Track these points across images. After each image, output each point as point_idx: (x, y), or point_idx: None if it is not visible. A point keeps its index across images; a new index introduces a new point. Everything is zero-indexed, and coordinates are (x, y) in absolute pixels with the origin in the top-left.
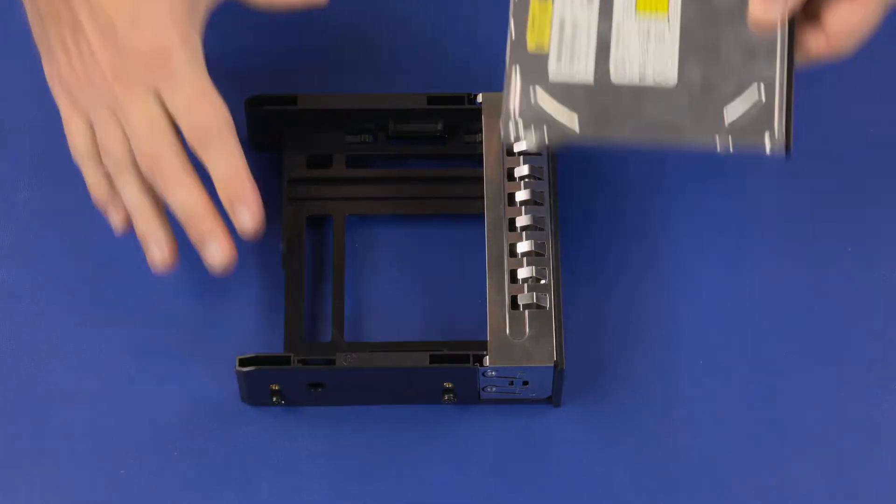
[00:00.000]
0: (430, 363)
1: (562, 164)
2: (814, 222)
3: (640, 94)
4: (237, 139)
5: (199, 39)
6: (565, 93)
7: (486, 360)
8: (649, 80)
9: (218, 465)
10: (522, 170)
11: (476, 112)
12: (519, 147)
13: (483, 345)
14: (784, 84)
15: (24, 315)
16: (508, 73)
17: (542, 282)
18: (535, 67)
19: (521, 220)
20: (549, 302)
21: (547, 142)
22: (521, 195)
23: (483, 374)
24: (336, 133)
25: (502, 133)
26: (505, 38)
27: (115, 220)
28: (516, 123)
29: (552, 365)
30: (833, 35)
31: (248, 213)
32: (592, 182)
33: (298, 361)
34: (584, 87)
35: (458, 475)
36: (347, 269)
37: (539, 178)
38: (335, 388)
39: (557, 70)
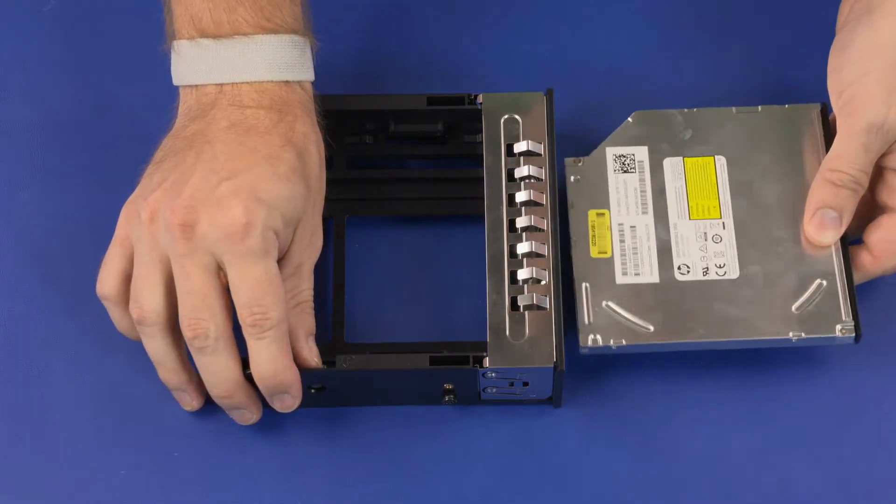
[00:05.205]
0: (430, 365)
1: (561, 165)
2: None
3: (705, 290)
4: (287, 329)
5: (283, 241)
6: (634, 295)
7: (486, 362)
8: (712, 276)
9: (218, 465)
10: (522, 171)
11: (476, 112)
12: (519, 148)
13: (483, 345)
14: (844, 277)
15: (24, 315)
16: (578, 285)
17: (542, 283)
18: (601, 274)
19: (521, 221)
20: (548, 303)
21: (624, 343)
22: (521, 196)
23: (483, 376)
24: (336, 134)
25: (580, 341)
26: (505, 38)
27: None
28: (594, 336)
29: (552, 366)
30: (877, 252)
31: (291, 398)
32: None
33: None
34: (651, 288)
35: (458, 475)
36: (347, 270)
37: (539, 179)
38: (336, 390)
39: (622, 273)
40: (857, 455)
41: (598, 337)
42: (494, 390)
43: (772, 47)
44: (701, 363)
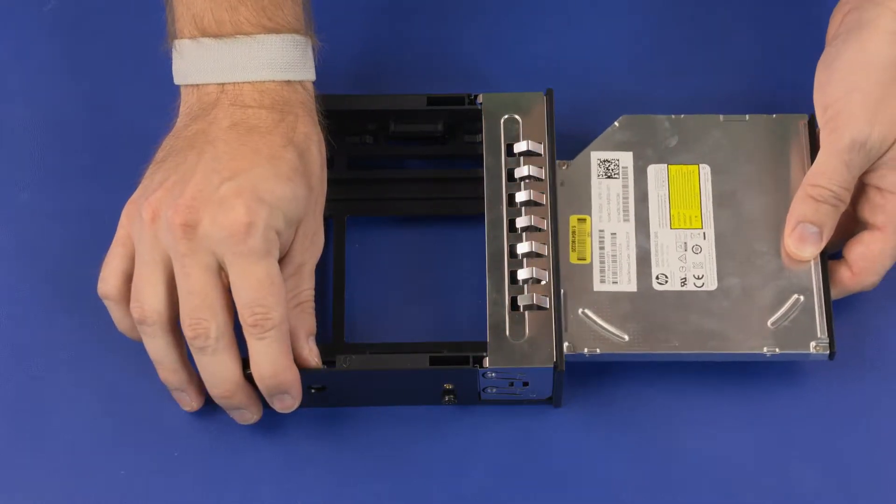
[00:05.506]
0: (430, 365)
1: None
2: None
3: (682, 301)
4: (288, 329)
5: (285, 241)
6: (611, 303)
7: (486, 362)
8: (690, 286)
9: (218, 465)
10: (522, 171)
11: (476, 112)
12: (519, 148)
13: (483, 345)
14: (822, 293)
15: (24, 315)
16: (556, 290)
17: (542, 283)
18: (579, 280)
19: (521, 221)
20: (549, 303)
21: (598, 352)
22: (521, 196)
23: (483, 376)
24: (337, 134)
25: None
26: (505, 38)
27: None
28: (569, 343)
29: (552, 366)
30: (856, 268)
31: (291, 399)
32: None
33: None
34: (628, 297)
35: (458, 475)
36: (347, 270)
37: (539, 179)
38: (336, 390)
39: (600, 281)
40: (857, 454)
41: (573, 345)
42: (494, 390)
43: (773, 55)
44: (700, 364)
